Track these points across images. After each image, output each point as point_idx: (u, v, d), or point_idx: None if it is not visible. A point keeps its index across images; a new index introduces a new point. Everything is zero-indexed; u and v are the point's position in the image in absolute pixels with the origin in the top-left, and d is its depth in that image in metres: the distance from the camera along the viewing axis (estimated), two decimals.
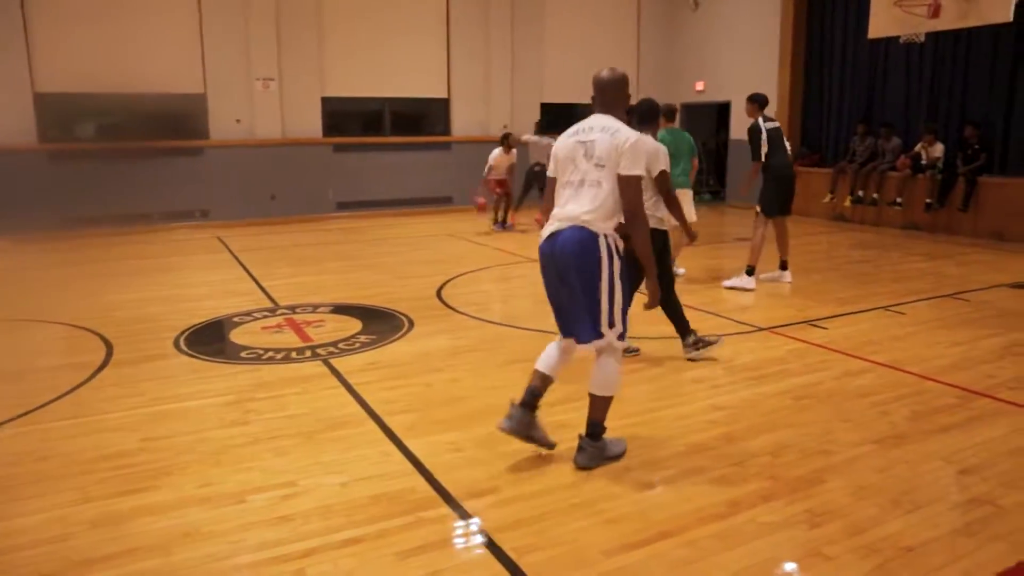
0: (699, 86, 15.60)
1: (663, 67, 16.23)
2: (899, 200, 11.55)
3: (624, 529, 2.99)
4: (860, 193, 12.10)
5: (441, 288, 7.51)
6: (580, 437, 3.62)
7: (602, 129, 3.47)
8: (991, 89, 11.13)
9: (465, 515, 3.12)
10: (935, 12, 8.86)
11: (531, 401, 3.63)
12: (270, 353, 5.38)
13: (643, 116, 5.06)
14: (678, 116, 8.54)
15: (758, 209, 7.65)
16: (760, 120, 7.43)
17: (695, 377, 4.81)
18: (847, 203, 12.23)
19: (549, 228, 3.49)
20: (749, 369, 4.95)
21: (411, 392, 4.62)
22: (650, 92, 16.00)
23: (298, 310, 6.63)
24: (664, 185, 4.80)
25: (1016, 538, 2.93)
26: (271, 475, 3.48)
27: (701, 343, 5.15)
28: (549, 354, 3.71)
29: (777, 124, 7.58)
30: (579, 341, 3.51)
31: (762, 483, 3.37)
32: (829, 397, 4.46)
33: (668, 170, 4.80)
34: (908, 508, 3.15)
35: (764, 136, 7.34)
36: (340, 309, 6.68)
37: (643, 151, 3.47)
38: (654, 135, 5.04)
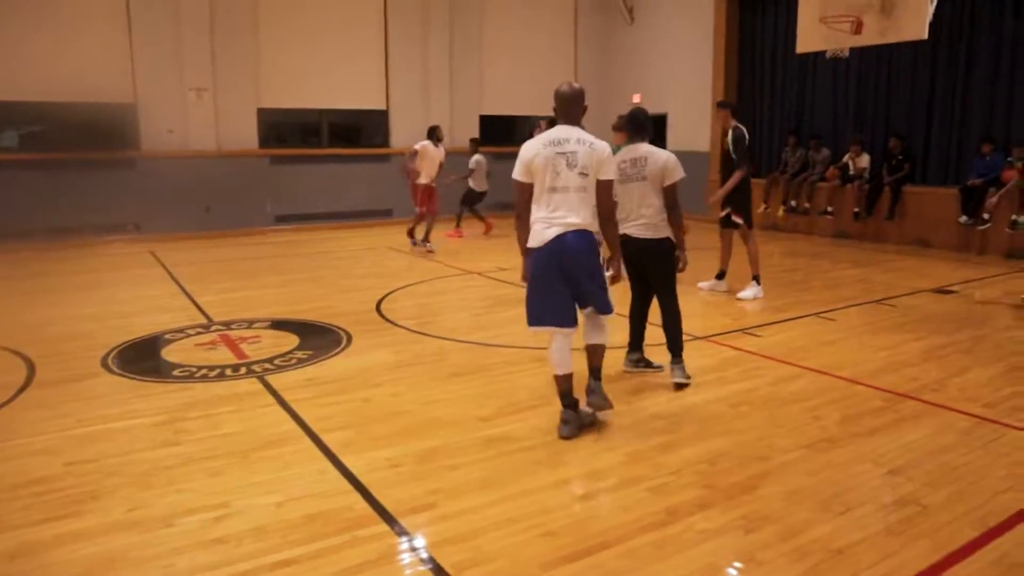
0: (636, 98, 15.81)
1: (600, 79, 16.42)
2: (829, 209, 11.92)
3: (562, 541, 2.99)
4: (792, 203, 12.45)
5: (380, 302, 7.44)
6: (589, 383, 4.22)
7: (578, 141, 3.96)
8: (912, 102, 11.59)
9: (403, 532, 3.08)
10: (857, 29, 9.17)
11: (572, 402, 4.13)
12: (203, 371, 5.24)
13: (640, 126, 4.94)
14: None
15: (739, 222, 7.58)
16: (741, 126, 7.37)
17: (632, 387, 4.86)
18: (780, 213, 12.56)
19: (550, 232, 3.93)
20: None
21: (349, 408, 4.55)
22: (588, 103, 16.31)
23: (233, 326, 6.49)
24: (675, 196, 4.81)
25: (940, 536, 3.03)
26: (203, 496, 3.38)
27: (643, 363, 5.18)
28: (563, 355, 4.09)
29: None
30: (601, 312, 4.15)
31: (699, 491, 3.42)
32: (764, 403, 4.56)
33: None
34: (838, 510, 3.23)
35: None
36: (277, 324, 6.55)
37: (613, 160, 4.22)
38: (648, 143, 4.94)
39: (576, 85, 4.15)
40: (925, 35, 8.71)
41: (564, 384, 4.10)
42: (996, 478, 3.55)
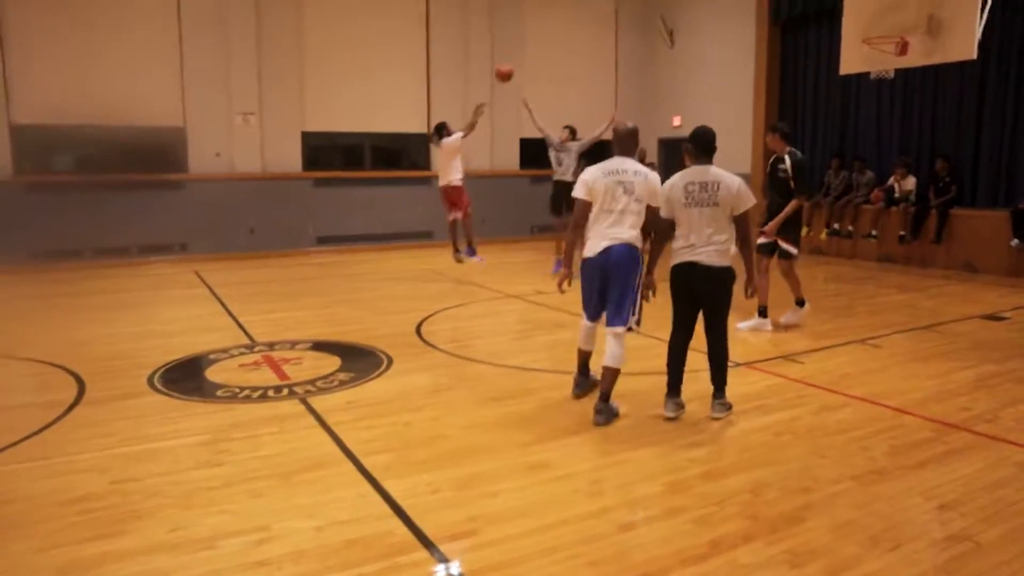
0: (676, 121, 15.80)
1: (641, 102, 16.45)
2: (874, 232, 11.70)
3: (604, 571, 2.96)
4: (835, 226, 12.26)
5: (421, 324, 7.48)
6: (597, 403, 4.69)
7: (635, 172, 4.74)
8: (959, 123, 11.37)
9: (443, 559, 3.07)
10: (903, 50, 9.05)
11: (585, 370, 5.20)
12: (246, 391, 5.30)
13: (708, 146, 4.80)
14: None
15: (795, 251, 7.23)
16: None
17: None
18: (823, 236, 12.37)
19: (601, 244, 4.71)
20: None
21: (389, 431, 4.57)
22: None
23: (276, 347, 6.57)
24: (747, 225, 4.74)
25: (997, 574, 2.92)
26: (244, 519, 3.41)
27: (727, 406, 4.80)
28: (585, 335, 5.10)
29: None
30: (609, 325, 4.74)
31: (742, 522, 3.35)
32: (808, 433, 4.46)
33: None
34: (888, 546, 3.14)
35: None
36: (319, 346, 6.62)
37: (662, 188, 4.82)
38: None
39: (631, 124, 4.92)
40: (974, 55, 8.56)
41: (581, 357, 5.19)
42: None
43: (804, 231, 12.21)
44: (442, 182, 9.79)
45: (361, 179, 13.67)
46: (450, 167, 9.67)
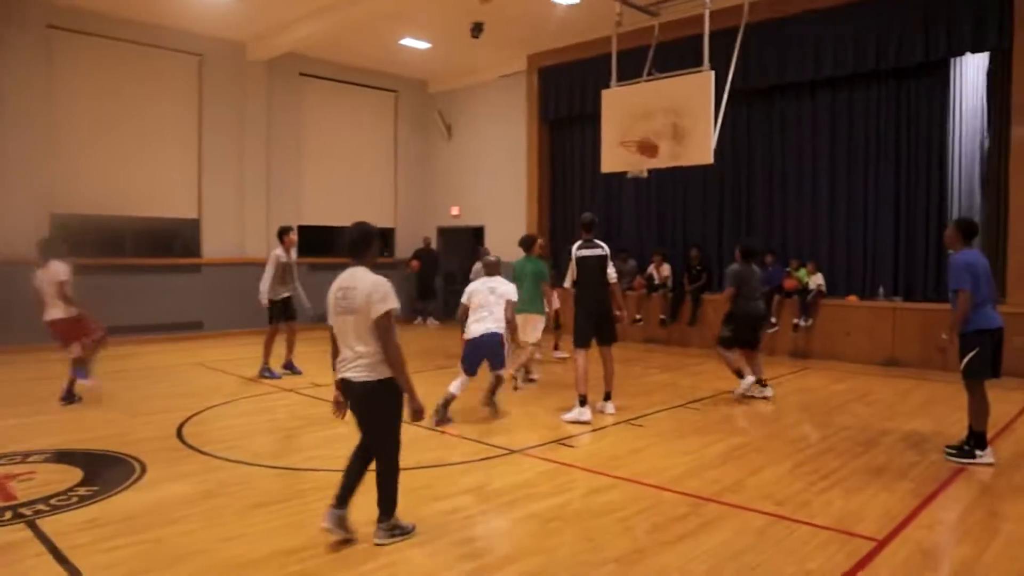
0: (454, 211, 16.31)
1: (421, 192, 16.85)
2: (638, 317, 12.63)
3: None
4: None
5: (183, 425, 6.90)
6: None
7: (501, 282, 7.44)
8: (704, 217, 12.76)
9: None
10: (653, 153, 10.02)
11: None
12: None
13: (352, 247, 4.34)
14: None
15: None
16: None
17: (445, 509, 4.73)
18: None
19: (477, 330, 7.19)
20: (500, 495, 4.98)
21: (137, 551, 4.08)
22: (410, 215, 16.61)
23: (2, 460, 5.74)
24: (385, 334, 4.15)
25: None
26: None
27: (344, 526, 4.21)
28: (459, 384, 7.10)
29: None
30: (494, 369, 7.30)
31: None
32: (576, 517, 4.58)
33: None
34: None
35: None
36: (58, 456, 5.87)
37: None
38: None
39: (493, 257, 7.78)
40: (711, 160, 9.64)
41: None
42: (787, 575, 3.74)
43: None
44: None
45: (120, 267, 12.58)
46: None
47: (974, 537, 4.34)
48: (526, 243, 9.00)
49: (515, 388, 8.61)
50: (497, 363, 7.28)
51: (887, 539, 4.21)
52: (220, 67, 13.72)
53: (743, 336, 8.17)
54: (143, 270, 12.80)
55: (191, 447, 6.20)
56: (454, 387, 7.07)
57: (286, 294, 9.59)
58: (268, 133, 14.37)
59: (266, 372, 9.49)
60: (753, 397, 8.14)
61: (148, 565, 3.91)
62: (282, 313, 9.57)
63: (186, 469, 5.61)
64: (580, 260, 7.47)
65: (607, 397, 7.52)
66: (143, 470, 5.53)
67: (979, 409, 5.86)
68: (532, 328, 8.68)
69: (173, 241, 13.70)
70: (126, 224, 12.94)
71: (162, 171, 13.17)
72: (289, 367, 9.72)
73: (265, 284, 9.42)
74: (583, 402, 7.16)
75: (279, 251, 9.57)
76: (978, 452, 5.79)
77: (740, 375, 8.13)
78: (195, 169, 13.60)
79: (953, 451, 5.92)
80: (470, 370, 7.16)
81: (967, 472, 5.57)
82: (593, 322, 7.41)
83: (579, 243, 7.56)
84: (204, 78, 13.58)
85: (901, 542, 4.19)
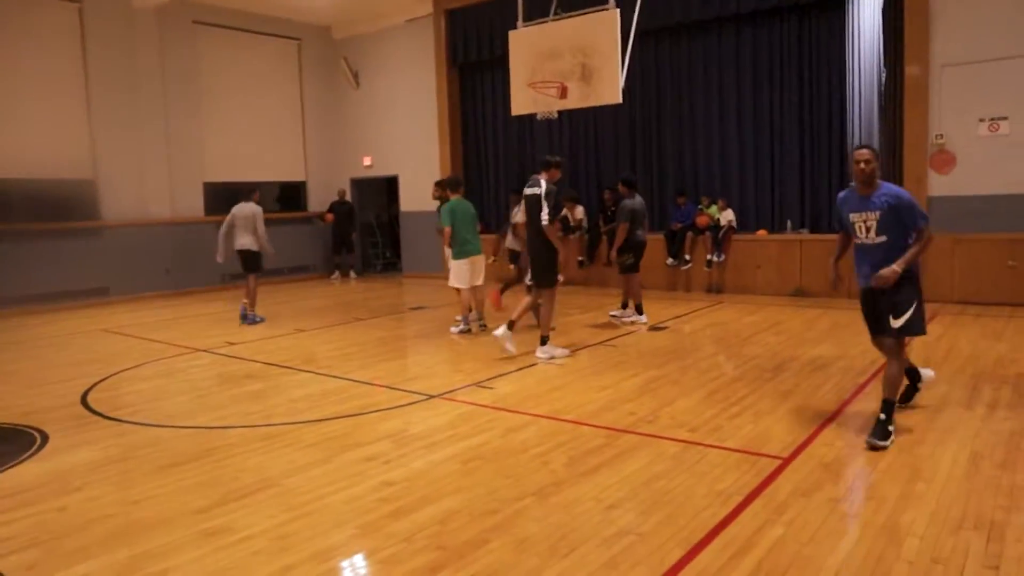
0: (367, 161, 15.97)
1: (332, 143, 16.40)
2: None
3: None
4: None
5: (87, 392, 6.62)
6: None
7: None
8: (616, 157, 12.83)
9: None
10: (563, 94, 9.97)
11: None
12: None
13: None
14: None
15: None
16: None
17: (366, 455, 4.69)
18: (510, 267, 13.14)
19: None
20: (419, 439, 4.98)
21: (36, 522, 3.91)
22: (320, 167, 16.18)
23: None
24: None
25: (652, 561, 3.20)
26: None
27: None
28: None
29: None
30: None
31: (430, 555, 3.34)
32: (495, 456, 4.62)
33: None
34: (564, 552, 3.31)
35: None
36: None
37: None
38: None
39: None
40: (619, 99, 9.65)
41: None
42: (699, 496, 3.86)
43: (490, 260, 12.99)
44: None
45: (13, 232, 11.84)
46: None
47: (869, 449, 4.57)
48: (455, 184, 9.02)
49: (466, 331, 8.90)
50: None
51: (791, 457, 4.39)
52: (103, 15, 12.84)
53: (638, 263, 9.03)
54: (36, 235, 12.06)
55: (97, 413, 5.96)
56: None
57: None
58: (164, 87, 13.64)
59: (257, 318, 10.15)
60: (632, 323, 9.01)
61: (50, 534, 3.75)
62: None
63: (91, 436, 5.39)
64: (523, 198, 7.74)
65: (542, 342, 7.46)
66: (44, 440, 5.30)
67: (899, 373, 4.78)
68: (479, 270, 8.93)
69: (69, 204, 12.90)
70: (15, 187, 12.10)
71: (49, 130, 12.36)
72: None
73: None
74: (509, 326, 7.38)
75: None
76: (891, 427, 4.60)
77: (640, 309, 9.05)
78: (86, 127, 12.82)
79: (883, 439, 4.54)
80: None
81: (866, 391, 5.84)
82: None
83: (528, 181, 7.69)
84: (86, 28, 12.71)
85: (805, 458, 4.38)
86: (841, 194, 4.99)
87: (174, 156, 13.81)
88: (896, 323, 4.65)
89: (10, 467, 4.77)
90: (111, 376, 7.27)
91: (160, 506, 4.04)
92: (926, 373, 5.37)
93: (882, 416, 4.61)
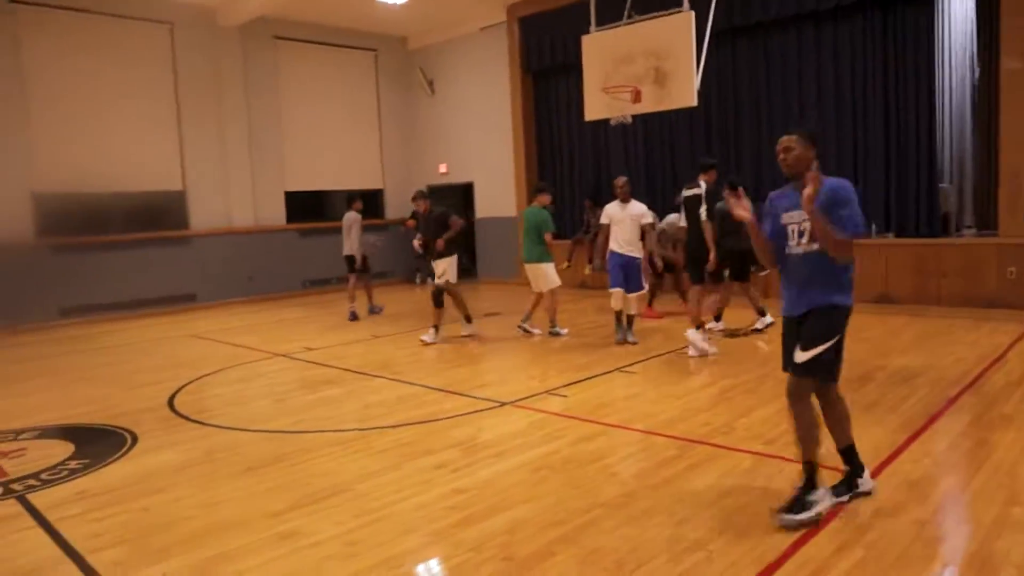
0: (442, 168, 16.14)
1: (406, 151, 16.66)
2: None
3: None
4: (597, 261, 12.99)
5: (174, 396, 6.89)
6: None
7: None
8: (692, 161, 12.58)
9: None
10: (637, 98, 9.86)
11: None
12: None
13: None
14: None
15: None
16: None
17: (436, 463, 4.73)
18: (587, 271, 13.09)
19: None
20: (489, 447, 4.98)
21: (124, 520, 4.09)
22: (396, 175, 16.45)
23: None
24: None
25: None
26: None
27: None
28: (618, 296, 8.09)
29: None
30: (629, 292, 8.11)
31: (497, 565, 3.33)
32: (564, 465, 4.58)
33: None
34: (632, 568, 3.25)
35: None
36: (48, 432, 5.87)
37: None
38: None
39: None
40: (694, 102, 9.49)
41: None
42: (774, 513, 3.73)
43: (564, 266, 12.95)
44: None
45: (109, 243, 12.47)
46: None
47: (961, 467, 4.34)
48: (534, 190, 9.41)
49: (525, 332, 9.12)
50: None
51: (875, 472, 4.20)
52: (191, 34, 13.41)
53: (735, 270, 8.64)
54: (131, 245, 12.67)
55: (182, 416, 6.20)
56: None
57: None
58: (247, 100, 14.13)
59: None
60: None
61: (136, 532, 3.91)
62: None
63: (176, 438, 5.60)
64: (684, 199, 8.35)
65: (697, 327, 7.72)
66: (134, 441, 5.53)
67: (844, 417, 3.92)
68: (534, 278, 9.04)
69: (160, 214, 13.50)
70: (111, 200, 12.74)
71: (143, 145, 12.96)
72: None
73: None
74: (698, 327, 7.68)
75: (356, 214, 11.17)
76: (859, 480, 3.89)
77: (719, 317, 8.91)
78: (176, 141, 13.39)
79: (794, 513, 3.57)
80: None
81: (958, 404, 5.56)
82: None
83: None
84: (176, 47, 13.30)
85: (888, 475, 4.18)
86: (775, 192, 4.04)
87: (256, 167, 14.28)
88: (800, 356, 3.68)
89: (104, 466, 5.00)
90: (195, 380, 7.54)
91: (237, 508, 4.16)
92: (866, 481, 3.90)
93: (798, 485, 3.68)
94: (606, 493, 4.10)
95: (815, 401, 3.83)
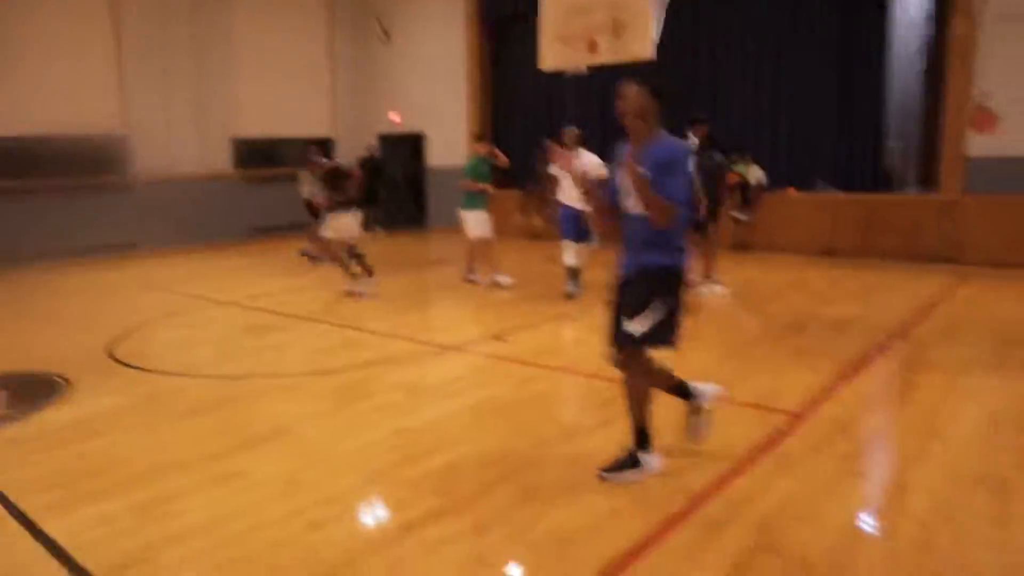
0: (396, 118, 15.89)
1: (361, 99, 16.33)
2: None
3: (290, 573, 2.81)
4: (547, 212, 13.02)
5: (115, 342, 6.76)
6: None
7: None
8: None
9: None
10: (592, 48, 9.79)
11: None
12: None
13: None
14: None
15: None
16: None
17: (379, 405, 4.75)
18: (536, 222, 13.11)
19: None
20: (432, 390, 5.03)
21: (58, 466, 4.02)
22: (348, 123, 16.14)
23: None
24: None
25: (655, 508, 3.20)
26: None
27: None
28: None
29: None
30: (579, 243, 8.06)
31: (435, 500, 3.38)
32: (508, 408, 4.64)
33: None
34: (567, 501, 3.32)
35: None
36: None
37: None
38: None
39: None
40: (651, 55, 9.46)
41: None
42: (708, 449, 3.83)
43: (519, 217, 12.92)
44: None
45: (42, 188, 11.98)
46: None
47: (888, 407, 4.51)
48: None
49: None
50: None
51: (804, 413, 4.34)
52: None
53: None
54: (66, 191, 12.18)
55: (122, 363, 6.08)
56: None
57: None
58: (193, 41, 13.63)
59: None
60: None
61: (70, 477, 3.86)
62: None
63: (115, 384, 5.50)
64: None
65: None
66: (70, 388, 5.42)
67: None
68: (464, 225, 8.99)
69: (99, 159, 12.99)
70: (40, 144, 12.17)
71: (80, 88, 12.44)
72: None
73: None
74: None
75: None
76: (642, 455, 3.63)
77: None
78: (116, 82, 12.89)
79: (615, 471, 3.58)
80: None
81: (891, 350, 5.74)
82: None
83: None
84: None
85: (820, 415, 4.33)
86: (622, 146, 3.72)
87: (203, 111, 13.86)
88: (630, 326, 3.42)
89: (37, 413, 4.89)
90: (138, 327, 7.40)
91: (176, 452, 4.13)
92: (706, 389, 3.95)
93: (628, 449, 3.61)
94: (546, 433, 4.17)
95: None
